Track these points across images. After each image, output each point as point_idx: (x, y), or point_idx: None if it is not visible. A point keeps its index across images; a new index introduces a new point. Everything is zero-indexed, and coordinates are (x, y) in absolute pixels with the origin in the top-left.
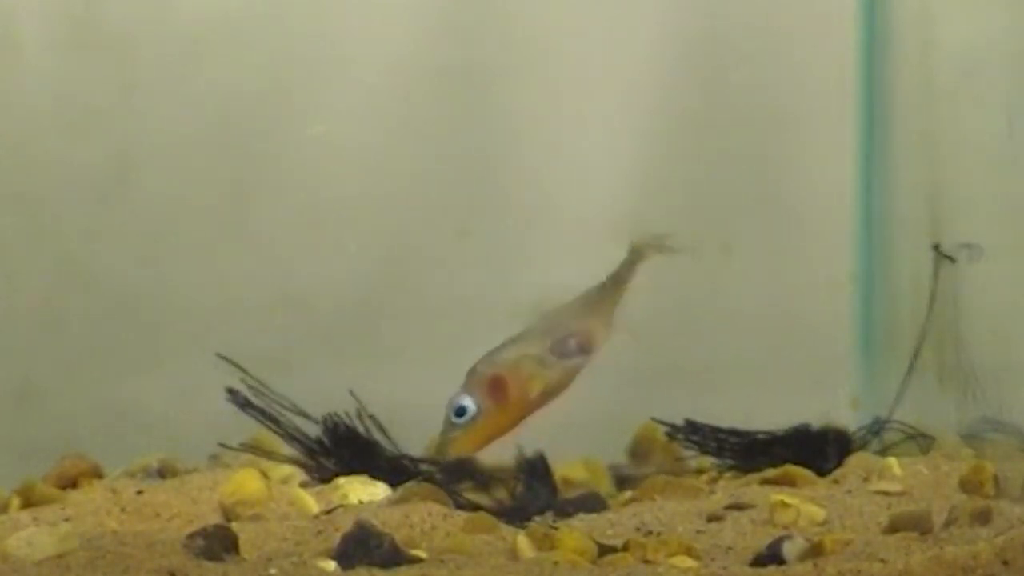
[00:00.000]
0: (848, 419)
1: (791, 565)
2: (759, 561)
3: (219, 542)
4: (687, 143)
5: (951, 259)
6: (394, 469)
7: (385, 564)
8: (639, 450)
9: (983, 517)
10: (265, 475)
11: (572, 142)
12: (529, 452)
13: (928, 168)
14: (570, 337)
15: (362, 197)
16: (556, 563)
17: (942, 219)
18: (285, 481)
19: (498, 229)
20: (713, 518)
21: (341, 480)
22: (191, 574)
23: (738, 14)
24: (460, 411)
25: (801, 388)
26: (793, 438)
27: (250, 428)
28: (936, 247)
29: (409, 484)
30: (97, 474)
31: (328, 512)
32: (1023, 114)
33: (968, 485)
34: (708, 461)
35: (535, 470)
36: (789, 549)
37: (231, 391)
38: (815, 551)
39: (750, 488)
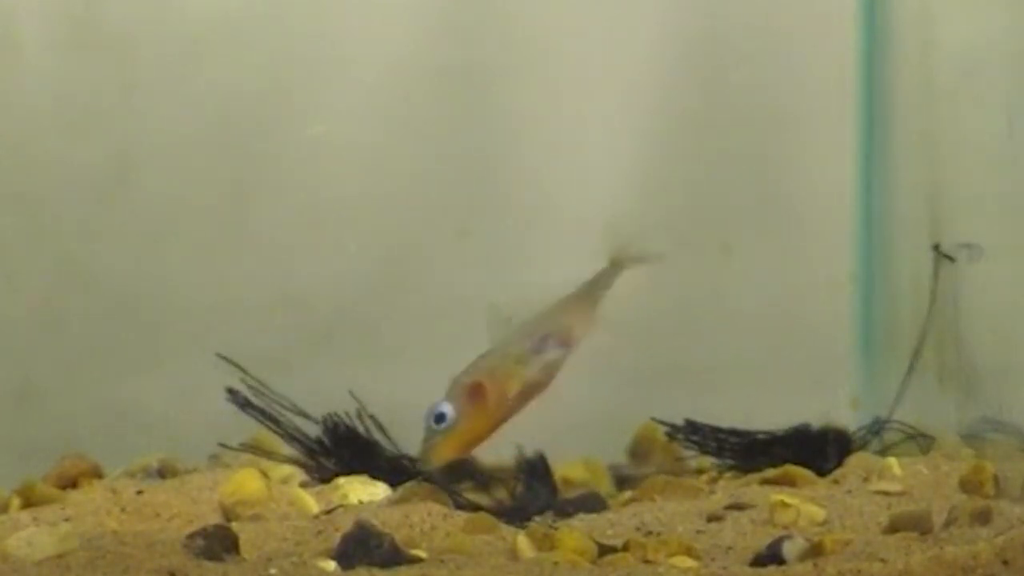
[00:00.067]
0: (848, 419)
1: (791, 565)
2: (759, 561)
3: (219, 542)
4: (687, 143)
5: (951, 259)
6: (394, 469)
7: (385, 564)
8: (639, 450)
9: (983, 517)
10: (265, 475)
11: (572, 142)
12: (529, 452)
13: (928, 168)
14: (548, 335)
15: (362, 197)
16: (556, 563)
17: (942, 219)
18: (285, 481)
19: (498, 229)
20: (713, 518)
21: (341, 480)
22: (191, 574)
23: (738, 14)
24: (439, 418)
25: (801, 388)
26: (793, 438)
27: (250, 428)
28: (936, 247)
29: (409, 484)
30: (97, 474)
31: (328, 512)
32: (1023, 114)
33: (968, 485)
34: (708, 461)
35: (535, 470)
36: (789, 549)
37: (231, 391)
38: (815, 551)
39: (750, 488)
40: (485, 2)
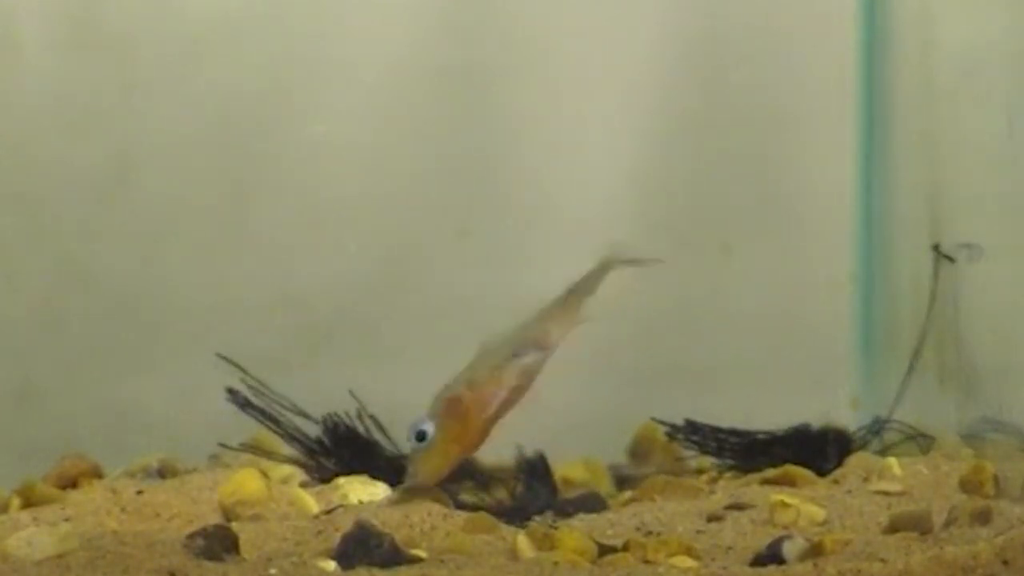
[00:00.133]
0: (848, 419)
1: (791, 565)
2: (759, 561)
3: (219, 542)
4: (687, 143)
5: (951, 259)
6: (394, 469)
7: (385, 564)
8: (639, 450)
9: (983, 517)
10: (265, 475)
11: (572, 142)
12: (529, 452)
13: (928, 168)
14: (527, 341)
15: (362, 197)
16: (556, 563)
17: (942, 219)
18: (285, 481)
19: (498, 229)
20: (713, 518)
21: (341, 480)
22: (191, 574)
23: (738, 14)
24: (420, 436)
25: (801, 388)
26: (793, 438)
27: (250, 428)
28: (936, 247)
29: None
30: (97, 474)
31: (328, 512)
32: (1023, 114)
33: (968, 485)
34: (708, 461)
35: (535, 470)
36: (789, 549)
37: (231, 391)
38: (815, 551)
39: (750, 488)
40: (485, 2)
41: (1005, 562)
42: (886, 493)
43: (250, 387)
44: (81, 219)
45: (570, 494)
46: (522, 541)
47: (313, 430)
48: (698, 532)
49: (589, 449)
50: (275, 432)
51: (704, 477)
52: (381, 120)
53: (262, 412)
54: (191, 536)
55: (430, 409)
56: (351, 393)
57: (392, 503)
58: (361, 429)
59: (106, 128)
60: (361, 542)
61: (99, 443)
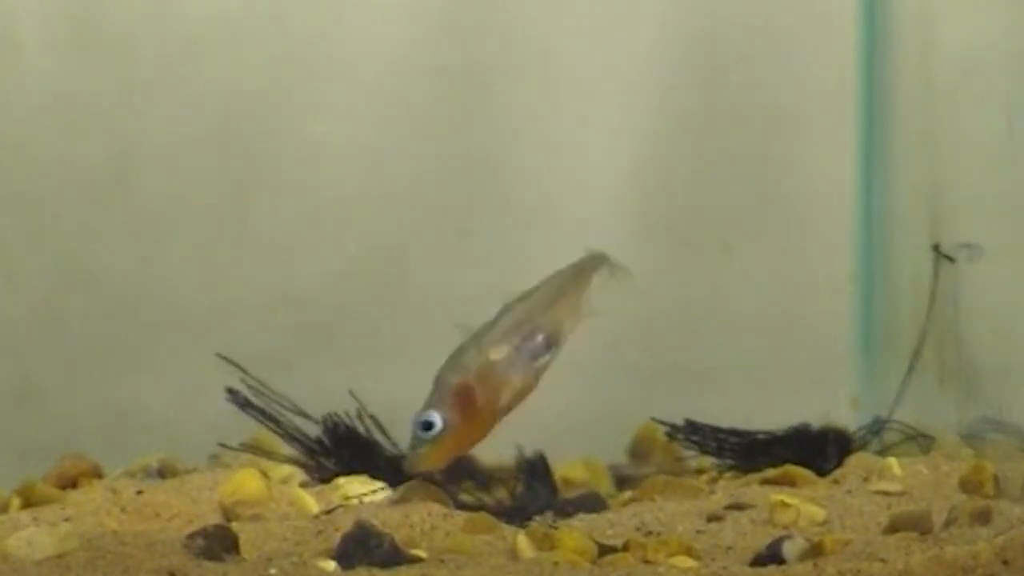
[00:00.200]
0: (848, 419)
1: (791, 565)
2: (759, 561)
3: (219, 542)
4: (687, 143)
5: (951, 259)
6: (394, 469)
7: (385, 564)
8: (639, 450)
9: (983, 517)
10: (265, 475)
11: (572, 142)
12: (529, 452)
13: (928, 168)
14: (538, 332)
15: (362, 197)
16: (556, 563)
17: (942, 219)
18: (285, 481)
19: (498, 229)
20: (713, 518)
21: (341, 480)
22: (191, 574)
23: (738, 14)
24: (427, 426)
25: (801, 388)
26: (793, 438)
27: (250, 428)
28: (936, 247)
29: (409, 484)
30: (97, 474)
31: (328, 512)
32: (1023, 114)
33: (968, 485)
34: (708, 461)
35: (535, 470)
36: (789, 549)
37: (231, 391)
38: (815, 551)
39: (750, 488)
40: (485, 2)
41: (1005, 562)
42: (886, 493)
43: (250, 387)
44: (81, 219)
45: (570, 494)
46: (522, 541)
47: (313, 430)
48: (698, 532)
49: (589, 449)
50: (275, 432)
51: (704, 477)
52: (381, 120)
53: (262, 412)
54: (191, 536)
55: (435, 394)
56: (351, 393)
57: (392, 503)
58: (361, 429)
59: (106, 128)
60: (361, 542)
61: (99, 443)
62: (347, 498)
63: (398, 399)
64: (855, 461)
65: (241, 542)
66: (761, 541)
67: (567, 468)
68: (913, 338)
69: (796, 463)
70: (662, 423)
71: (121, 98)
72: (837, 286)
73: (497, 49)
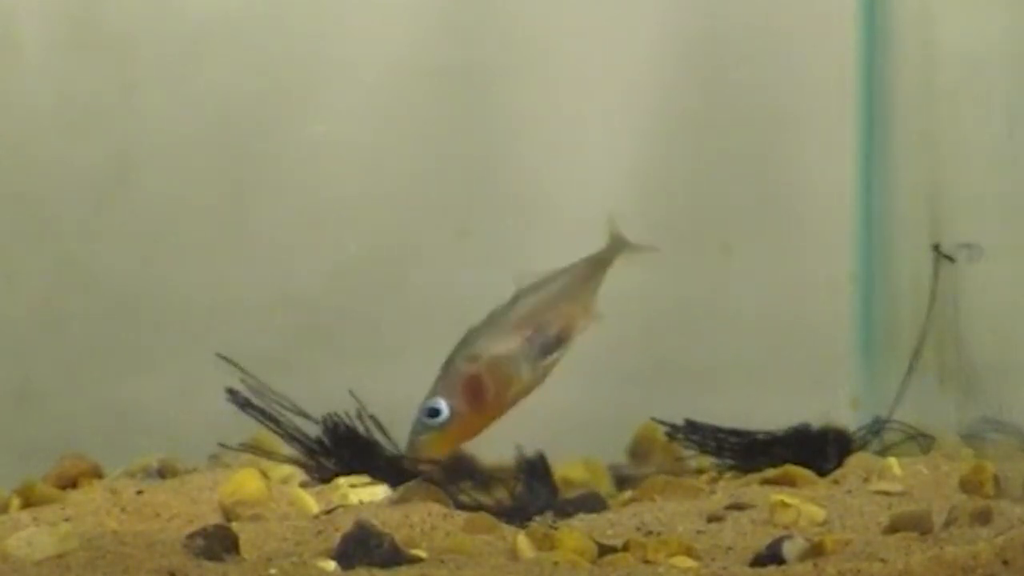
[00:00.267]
0: (848, 419)
1: (791, 565)
2: (759, 561)
3: (219, 542)
4: (687, 143)
5: (951, 259)
6: (394, 469)
7: (385, 564)
8: (639, 450)
9: (983, 517)
10: (265, 475)
11: (572, 142)
12: (529, 452)
13: (928, 168)
14: (551, 327)
15: (362, 197)
16: (556, 563)
17: (942, 219)
18: (285, 481)
19: (498, 229)
20: (713, 518)
21: (341, 480)
22: (191, 574)
23: (738, 14)
24: (433, 413)
25: (801, 388)
26: (793, 438)
27: (250, 428)
28: (936, 247)
29: (409, 484)
30: (97, 474)
31: (328, 512)
32: (1023, 114)
33: (968, 485)
34: (708, 461)
35: (535, 470)
36: (789, 549)
37: (231, 391)
38: (815, 551)
39: (750, 488)
40: (485, 2)
41: (1005, 562)
42: (886, 493)
43: (250, 387)
44: (81, 219)
45: (570, 494)
46: (522, 541)
47: (313, 430)
48: (698, 532)
49: (589, 449)
50: (275, 432)
51: (704, 477)
52: (381, 120)
53: (262, 412)
54: (191, 536)
55: (441, 380)
56: (351, 393)
57: (392, 503)
58: (361, 429)
59: (106, 128)
60: (361, 542)
61: (99, 443)
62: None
63: (398, 399)
64: (855, 461)
65: (241, 542)
66: (761, 541)
67: (567, 468)
68: (913, 338)
69: (796, 463)
70: (662, 423)
71: (121, 98)
72: (837, 286)
73: (497, 49)
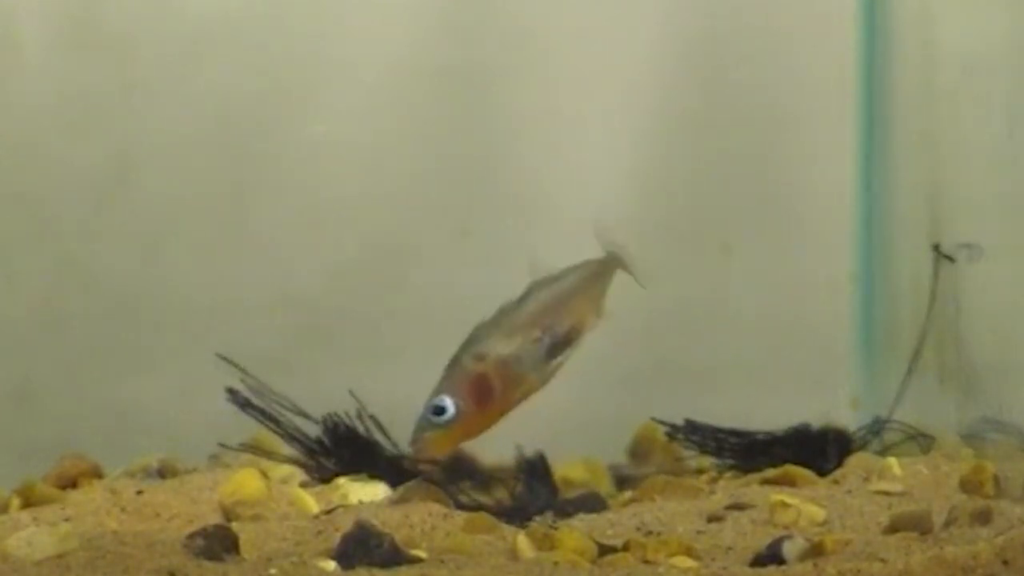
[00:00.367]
0: (848, 419)
1: (791, 565)
2: (759, 561)
3: (219, 542)
4: (687, 143)
5: (951, 259)
6: (394, 469)
7: (385, 564)
8: (639, 450)
9: (983, 517)
10: (265, 475)
11: (572, 142)
12: (529, 452)
13: (928, 168)
14: (558, 327)
15: (362, 197)
16: (556, 563)
17: (942, 219)
18: (285, 481)
19: (498, 229)
20: (713, 518)
21: (341, 480)
22: (191, 574)
23: (738, 14)
24: (439, 410)
25: (801, 388)
26: (793, 438)
27: (250, 428)
28: (936, 247)
29: (409, 484)
30: (97, 474)
31: (328, 512)
32: (1023, 114)
33: (968, 485)
34: (708, 461)
35: (535, 470)
36: (789, 549)
37: (231, 391)
38: (815, 551)
39: (750, 488)
40: (485, 2)
41: (1005, 562)
42: (886, 493)
43: (250, 387)
44: (81, 219)
45: (570, 494)
46: (522, 541)
47: (313, 430)
48: (698, 532)
49: (589, 449)
50: (275, 432)
51: (704, 477)
52: (381, 120)
53: (262, 412)
54: (191, 536)
55: (447, 378)
56: (351, 393)
57: (392, 503)
58: (361, 429)
59: (106, 128)
60: (361, 542)
61: (99, 443)
62: (360, 503)
63: (398, 399)
64: (855, 461)
65: (241, 542)
66: (761, 541)
67: (567, 468)
68: (913, 338)
69: (796, 463)
70: (662, 423)
71: (121, 98)
72: (837, 286)
73: (497, 49)
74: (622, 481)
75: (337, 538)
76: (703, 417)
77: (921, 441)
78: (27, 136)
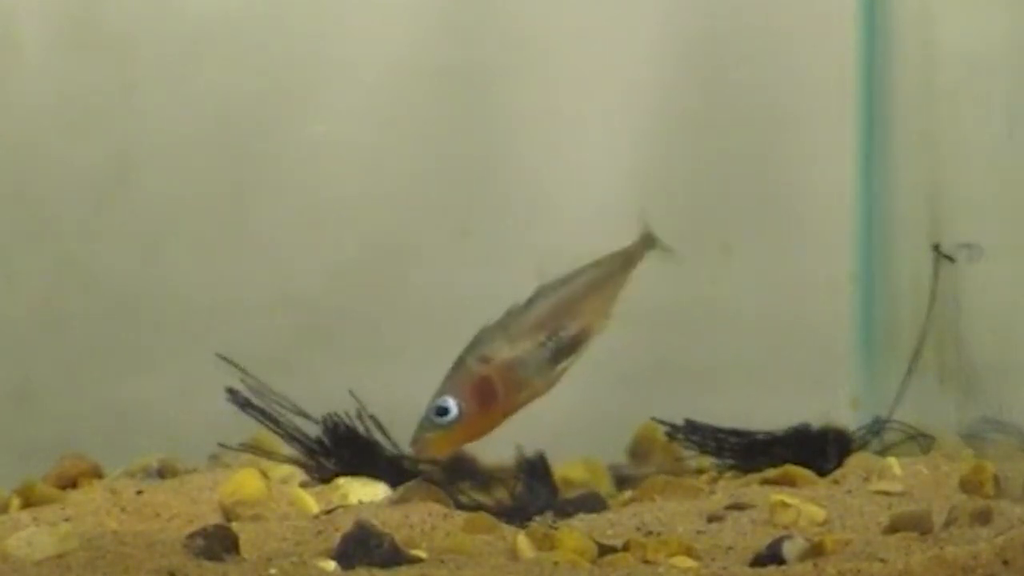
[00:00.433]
0: (848, 419)
1: (791, 565)
2: (759, 561)
3: (219, 542)
4: (687, 143)
5: (951, 259)
6: (394, 469)
7: (385, 564)
8: (639, 450)
9: (983, 517)
10: (265, 475)
11: (572, 142)
12: (529, 452)
13: (928, 168)
14: (565, 332)
15: (362, 197)
16: (556, 563)
17: (942, 219)
18: (285, 481)
19: (498, 229)
20: (713, 518)
21: (341, 480)
22: (191, 574)
23: (738, 14)
24: (442, 411)
25: (801, 388)
26: (793, 438)
27: (250, 428)
28: (936, 247)
29: (409, 484)
30: (97, 474)
31: (328, 512)
32: (1023, 114)
33: (968, 485)
34: (708, 461)
35: (535, 470)
36: (789, 549)
37: (231, 391)
38: (815, 551)
39: (750, 488)
40: (485, 2)
41: (1005, 562)
42: (886, 493)
43: (250, 387)
44: (81, 219)
45: (570, 494)
46: (522, 541)
47: (313, 430)
48: (698, 532)
49: (589, 449)
50: (275, 432)
51: (704, 477)
52: (381, 120)
53: (262, 412)
54: (191, 536)
55: (451, 379)
56: (351, 393)
57: (392, 503)
58: (361, 429)
59: (106, 128)
60: (361, 542)
61: (99, 443)
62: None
63: (398, 399)
64: (855, 461)
65: (241, 542)
66: (761, 541)
67: (567, 468)
68: (913, 338)
69: (796, 463)
70: (662, 423)
71: (121, 98)
72: (837, 286)
73: (497, 49)
74: (622, 481)
75: (337, 538)
76: (703, 417)
77: (921, 441)
78: (27, 136)
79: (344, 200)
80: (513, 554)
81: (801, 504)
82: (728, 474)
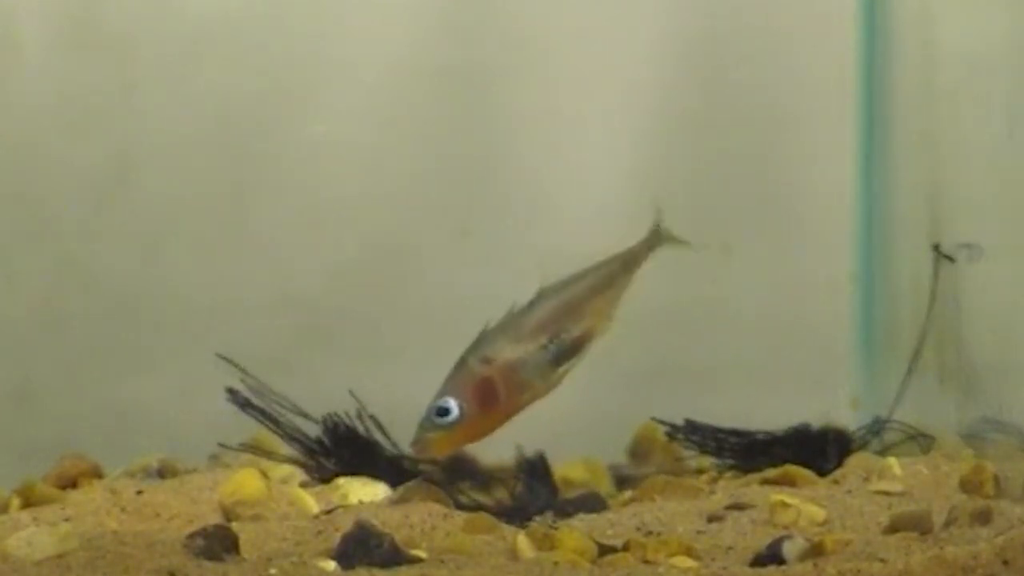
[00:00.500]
0: (848, 419)
1: (791, 565)
2: (759, 561)
3: (219, 542)
4: (687, 143)
5: (951, 259)
6: (394, 469)
7: (385, 564)
8: (639, 450)
9: (983, 517)
10: (265, 475)
11: (572, 142)
12: (529, 452)
13: (928, 168)
14: (567, 333)
15: (362, 197)
16: (556, 563)
17: (942, 219)
18: (285, 481)
19: (498, 229)
20: (713, 518)
21: (341, 480)
22: (191, 574)
23: (738, 14)
24: (443, 412)
25: (801, 388)
26: (793, 438)
27: (250, 428)
28: (936, 247)
29: (409, 484)
30: (97, 474)
31: (328, 512)
32: (1023, 114)
33: (968, 485)
34: (708, 461)
35: (535, 470)
36: (789, 549)
37: (231, 391)
38: (815, 551)
39: (750, 488)
40: (485, 2)
41: (1005, 562)
42: (886, 493)
43: (250, 387)
44: (81, 219)
45: (570, 494)
46: (522, 541)
47: (313, 430)
48: (698, 532)
49: (589, 449)
50: (275, 432)
51: (704, 477)
52: (381, 120)
53: (262, 412)
54: (191, 536)
55: (453, 379)
56: (351, 393)
57: (392, 503)
58: (361, 429)
59: (106, 128)
60: (361, 542)
61: (99, 443)
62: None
63: (398, 399)
64: (855, 461)
65: (241, 542)
66: (761, 541)
67: (567, 468)
68: (913, 338)
69: (796, 463)
70: (662, 423)
71: (121, 98)
72: (837, 286)
73: (497, 49)
74: (622, 481)
75: (337, 538)
76: (703, 417)
77: (921, 441)
78: (27, 136)
79: (344, 200)
80: (513, 554)
81: (801, 504)
82: (728, 474)
